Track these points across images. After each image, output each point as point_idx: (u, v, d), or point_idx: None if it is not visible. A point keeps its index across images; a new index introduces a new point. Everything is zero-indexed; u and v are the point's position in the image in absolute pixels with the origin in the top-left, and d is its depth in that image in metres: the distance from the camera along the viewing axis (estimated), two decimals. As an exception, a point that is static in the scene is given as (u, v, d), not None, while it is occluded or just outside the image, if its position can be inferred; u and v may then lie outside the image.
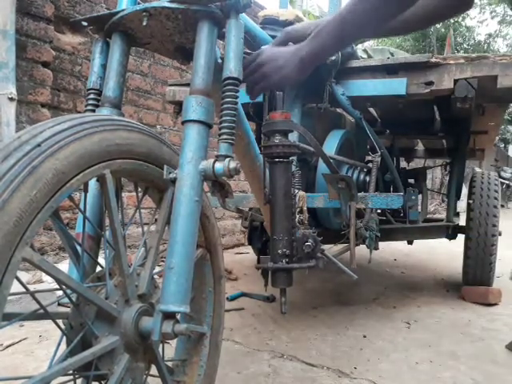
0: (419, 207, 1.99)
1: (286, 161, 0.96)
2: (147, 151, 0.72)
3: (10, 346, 1.44)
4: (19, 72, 2.05)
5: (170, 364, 0.89)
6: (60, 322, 0.67)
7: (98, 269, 0.75)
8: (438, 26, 15.20)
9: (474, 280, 2.16)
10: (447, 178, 2.68)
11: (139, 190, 0.83)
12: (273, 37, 1.19)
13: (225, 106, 0.78)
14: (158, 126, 3.03)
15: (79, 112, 2.37)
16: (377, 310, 1.98)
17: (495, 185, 2.22)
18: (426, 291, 2.34)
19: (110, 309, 0.65)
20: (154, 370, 0.78)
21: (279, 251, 0.93)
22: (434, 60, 1.47)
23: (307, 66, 0.97)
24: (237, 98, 0.79)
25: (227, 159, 0.74)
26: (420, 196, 2.21)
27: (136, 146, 0.69)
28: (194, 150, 0.73)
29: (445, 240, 2.34)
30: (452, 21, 15.90)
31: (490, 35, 20.08)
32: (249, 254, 3.26)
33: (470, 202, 2.19)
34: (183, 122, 0.74)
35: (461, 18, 17.46)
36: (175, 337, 0.69)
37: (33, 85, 2.15)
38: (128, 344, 0.68)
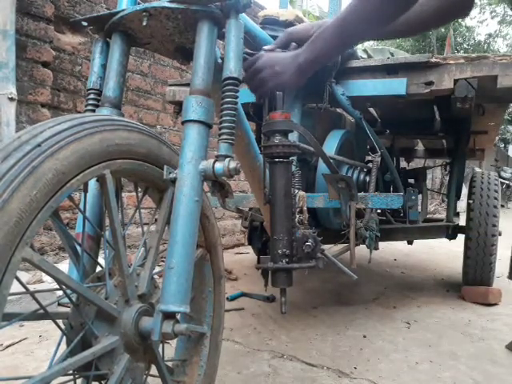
0: (419, 207, 1.99)
1: (286, 161, 0.96)
2: (147, 151, 0.72)
3: (10, 345, 1.44)
4: (19, 72, 2.05)
5: (170, 364, 0.89)
6: (60, 322, 0.67)
7: (98, 269, 0.75)
8: (438, 26, 15.13)
9: (474, 280, 2.16)
10: (447, 178, 2.68)
11: (139, 189, 0.83)
12: (273, 37, 1.19)
13: (225, 106, 0.78)
14: (158, 126, 3.03)
15: (79, 112, 2.37)
16: (377, 309, 1.98)
17: (495, 185, 2.22)
18: (426, 291, 2.34)
19: (109, 309, 0.65)
20: (154, 370, 0.78)
21: (279, 251, 0.93)
22: (433, 60, 1.47)
23: (305, 72, 0.97)
24: (237, 97, 0.79)
25: (227, 159, 0.74)
26: (420, 196, 2.21)
27: (136, 146, 0.69)
28: (194, 150, 0.73)
29: (445, 240, 2.34)
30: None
31: (490, 35, 20.09)
32: (249, 254, 3.26)
33: (470, 202, 2.19)
34: (183, 122, 0.74)
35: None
36: (175, 337, 0.69)
37: (33, 85, 2.15)
38: (128, 344, 0.68)
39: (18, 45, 1.97)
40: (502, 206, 10.05)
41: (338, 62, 1.50)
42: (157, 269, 0.79)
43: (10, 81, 1.90)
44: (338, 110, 1.91)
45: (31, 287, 1.86)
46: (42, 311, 0.61)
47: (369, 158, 1.99)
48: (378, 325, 1.76)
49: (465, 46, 18.31)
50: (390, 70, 1.53)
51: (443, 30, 15.44)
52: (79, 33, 2.46)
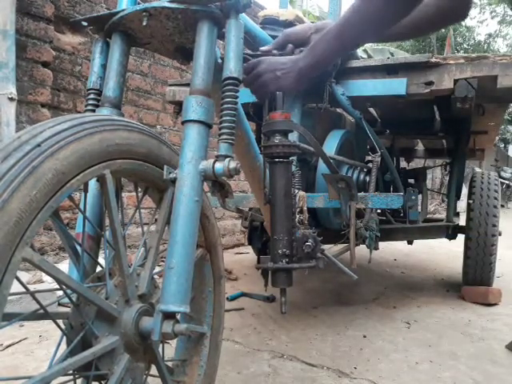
0: (419, 207, 1.99)
1: (286, 161, 0.96)
2: (147, 151, 0.72)
3: (10, 345, 1.45)
4: (19, 72, 2.05)
5: (170, 364, 0.89)
6: (60, 322, 0.67)
7: (98, 269, 0.75)
8: (437, 26, 15.13)
9: (474, 280, 2.16)
10: (447, 178, 2.68)
11: (139, 189, 0.83)
12: (273, 37, 1.19)
13: (225, 106, 0.78)
14: (158, 126, 3.03)
15: (79, 112, 2.37)
16: (377, 309, 1.98)
17: (495, 185, 2.22)
18: (426, 291, 2.34)
19: (110, 309, 0.65)
20: (154, 370, 0.78)
21: (279, 251, 0.93)
22: (434, 60, 1.47)
23: (306, 76, 0.97)
24: (237, 97, 0.79)
25: (227, 159, 0.74)
26: (420, 196, 2.21)
27: (136, 146, 0.69)
28: (194, 150, 0.73)
29: (445, 240, 2.34)
30: (452, 21, 15.82)
31: (490, 35, 20.10)
32: (249, 254, 3.26)
33: (470, 202, 2.19)
34: (183, 122, 0.74)
35: (461, 18, 17.40)
36: (175, 337, 0.69)
37: (33, 85, 2.15)
38: (128, 344, 0.68)
39: (18, 45, 1.97)
40: (502, 206, 10.05)
41: (338, 62, 1.50)
42: (157, 269, 0.79)
43: (9, 81, 1.90)
44: (338, 110, 1.91)
45: (31, 287, 1.86)
46: (42, 311, 0.61)
47: (369, 158, 1.99)
48: (378, 325, 1.76)
49: (465, 46, 18.31)
50: (390, 69, 1.53)
51: (443, 30, 15.44)
52: (79, 33, 2.46)
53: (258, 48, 1.08)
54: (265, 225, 1.54)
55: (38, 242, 2.23)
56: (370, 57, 1.99)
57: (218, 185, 0.76)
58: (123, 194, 2.50)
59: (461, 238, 2.28)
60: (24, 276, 1.96)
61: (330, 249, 1.64)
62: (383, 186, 1.99)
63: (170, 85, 1.90)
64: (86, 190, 0.73)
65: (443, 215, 2.55)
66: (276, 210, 0.96)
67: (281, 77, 0.96)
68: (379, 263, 3.13)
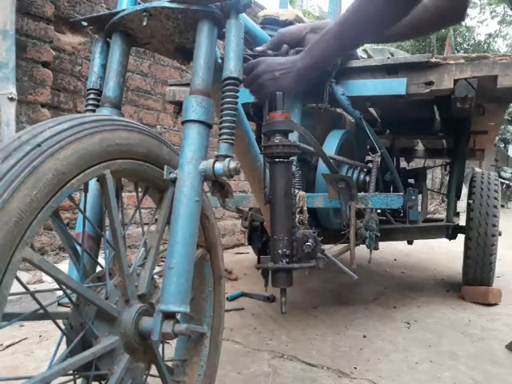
0: (419, 207, 1.99)
1: (286, 161, 0.96)
2: (147, 151, 0.72)
3: (10, 345, 1.45)
4: (19, 72, 2.05)
5: (170, 364, 0.89)
6: (60, 322, 0.67)
7: (98, 269, 0.75)
8: (437, 26, 15.13)
9: (474, 280, 2.16)
10: (447, 178, 2.68)
11: (139, 189, 0.83)
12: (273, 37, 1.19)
13: (225, 106, 0.78)
14: (158, 126, 3.03)
15: (79, 112, 2.37)
16: (377, 309, 1.98)
17: (495, 185, 2.22)
18: (426, 291, 2.34)
19: (109, 309, 0.65)
20: (154, 370, 0.78)
21: (279, 251, 0.93)
22: (434, 60, 1.47)
23: (305, 77, 0.97)
24: (237, 97, 0.79)
25: (227, 159, 0.74)
26: (420, 196, 2.21)
27: (136, 146, 0.69)
28: (194, 150, 0.73)
29: (445, 240, 2.34)
30: (452, 21, 15.82)
31: (490, 35, 20.10)
32: (249, 254, 3.26)
33: (470, 202, 2.19)
34: (183, 122, 0.74)
35: (461, 18, 17.40)
36: (175, 337, 0.69)
37: (33, 85, 2.15)
38: (128, 344, 0.68)
39: (18, 45, 1.97)
40: (502, 206, 10.05)
41: (337, 62, 1.50)
42: (157, 269, 0.79)
43: (9, 81, 1.90)
44: (338, 110, 1.91)
45: (31, 287, 1.86)
46: (42, 311, 0.61)
47: (369, 158, 1.99)
48: (378, 325, 1.76)
49: (465, 46, 18.31)
50: (390, 70, 1.53)
51: (443, 30, 15.44)
52: (79, 33, 2.46)
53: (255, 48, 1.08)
54: (265, 225, 1.54)
55: (38, 242, 2.23)
56: (370, 57, 1.99)
57: (218, 185, 0.76)
58: (123, 194, 2.50)
59: (461, 238, 2.28)
60: (24, 276, 1.96)
61: (330, 249, 1.64)
62: (383, 185, 1.99)
63: (170, 85, 1.90)
64: (86, 190, 0.73)
65: (443, 215, 2.55)
66: (276, 210, 0.96)
67: (279, 77, 0.96)
68: (379, 263, 3.13)
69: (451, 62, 1.47)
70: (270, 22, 1.44)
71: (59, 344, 0.67)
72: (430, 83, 1.48)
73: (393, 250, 3.63)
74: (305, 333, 1.65)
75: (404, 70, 1.51)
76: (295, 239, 0.96)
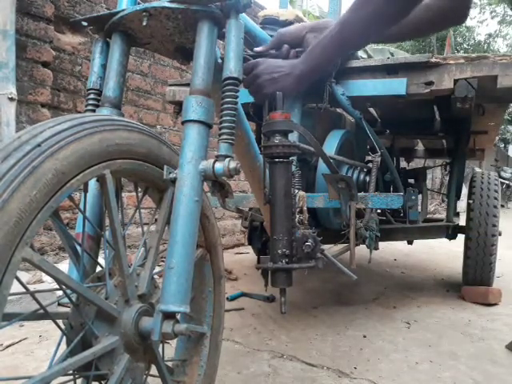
0: (419, 207, 1.99)
1: (286, 161, 0.96)
2: (147, 151, 0.72)
3: (10, 345, 1.45)
4: (19, 72, 2.05)
5: (170, 364, 0.89)
6: (60, 322, 0.67)
7: (98, 269, 0.75)
8: (437, 26, 15.15)
9: (474, 280, 2.15)
10: (447, 178, 2.68)
11: (139, 189, 0.83)
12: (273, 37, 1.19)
13: (225, 106, 0.78)
14: (158, 126, 3.03)
15: (79, 112, 2.37)
16: (377, 309, 1.98)
17: (495, 185, 2.22)
18: (426, 291, 2.34)
19: (109, 309, 0.65)
20: (154, 370, 0.78)
21: (279, 251, 0.93)
22: (434, 60, 1.47)
23: (304, 82, 0.97)
24: (237, 97, 0.79)
25: (227, 159, 0.74)
26: (420, 196, 2.21)
27: (136, 146, 0.69)
28: (194, 150, 0.73)
29: (445, 240, 2.34)
30: (452, 21, 15.84)
31: (490, 35, 20.10)
32: (249, 254, 3.26)
33: (470, 202, 2.19)
34: (183, 122, 0.74)
35: (461, 18, 17.41)
36: (175, 337, 0.69)
37: (33, 85, 2.15)
38: (128, 344, 0.68)
39: (18, 45, 1.97)
40: (502, 206, 10.05)
41: (337, 62, 1.50)
42: (157, 269, 0.79)
43: (9, 81, 1.90)
44: (338, 110, 1.91)
45: (31, 287, 1.86)
46: (42, 311, 0.61)
47: (369, 158, 1.99)
48: (378, 325, 1.76)
49: (465, 46, 18.31)
50: (390, 70, 1.53)
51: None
52: (79, 33, 2.46)
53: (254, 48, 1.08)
54: (265, 225, 1.54)
55: (37, 242, 2.23)
56: (370, 57, 1.98)
57: (217, 185, 0.76)
58: (123, 194, 2.50)
59: (461, 238, 2.28)
60: (24, 276, 1.96)
61: (330, 249, 1.64)
62: (383, 185, 1.99)
63: (170, 85, 1.90)
64: (85, 190, 0.73)
65: (443, 215, 2.55)
66: (276, 209, 0.95)
67: (279, 79, 0.97)
68: (379, 263, 3.13)
69: (451, 61, 1.47)
70: (270, 22, 1.44)
71: (59, 344, 0.67)
72: (430, 83, 1.48)
73: (393, 250, 3.63)
74: (305, 333, 1.65)
75: (404, 70, 1.51)
76: (295, 239, 0.96)
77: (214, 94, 0.79)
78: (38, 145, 0.53)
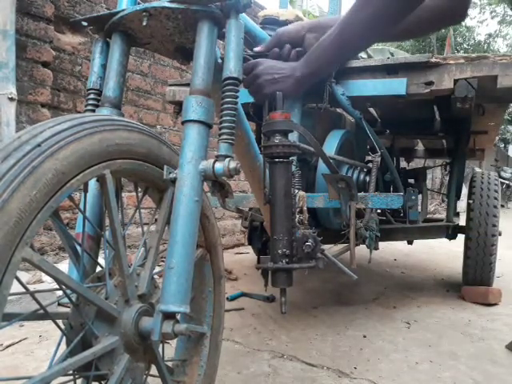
0: (419, 207, 1.99)
1: (286, 161, 0.96)
2: (147, 151, 0.72)
3: (10, 345, 1.44)
4: (19, 72, 2.05)
5: (170, 364, 0.89)
6: (60, 322, 0.67)
7: (98, 269, 0.75)
8: (437, 26, 15.16)
9: (474, 280, 2.16)
10: (447, 178, 2.68)
11: (139, 189, 0.83)
12: (273, 37, 1.19)
13: (225, 106, 0.78)
14: (158, 126, 3.03)
15: (79, 112, 2.37)
16: (377, 309, 1.98)
17: (495, 185, 2.22)
18: (426, 291, 2.34)
19: (109, 309, 0.65)
20: (154, 370, 0.78)
21: (279, 251, 0.93)
22: (434, 60, 1.47)
23: (303, 84, 0.97)
24: (237, 97, 0.79)
25: (227, 159, 0.74)
26: (420, 196, 2.21)
27: (136, 146, 0.69)
28: (194, 150, 0.73)
29: (445, 240, 2.34)
30: (452, 21, 15.84)
31: (490, 35, 20.10)
32: (249, 254, 3.26)
33: (470, 202, 2.19)
34: (183, 122, 0.74)
35: (461, 18, 17.43)
36: (175, 337, 0.69)
37: (33, 85, 2.15)
38: (128, 344, 0.68)
39: (18, 45, 1.97)
40: (502, 206, 10.05)
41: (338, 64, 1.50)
42: (157, 269, 0.79)
43: (9, 81, 1.90)
44: (338, 110, 1.91)
45: (31, 287, 1.86)
46: (42, 311, 0.61)
47: (369, 158, 1.99)
48: (378, 325, 1.76)
49: (465, 46, 18.31)
50: (390, 70, 1.53)
51: (443, 30, 15.44)
52: (79, 33, 2.46)
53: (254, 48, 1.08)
54: (265, 225, 1.54)
55: (37, 242, 2.23)
56: (370, 57, 1.99)
57: (217, 185, 0.76)
58: (123, 194, 2.50)
59: (461, 238, 2.28)
60: (24, 276, 1.96)
61: (330, 249, 1.64)
62: (383, 185, 1.99)
63: (170, 85, 1.90)
64: (85, 190, 0.73)
65: (443, 215, 2.55)
66: (276, 209, 0.95)
67: (279, 80, 0.96)
68: (379, 263, 3.13)
69: (451, 61, 1.47)
70: (270, 22, 1.44)
71: (59, 344, 0.67)
72: (430, 83, 1.48)
73: (393, 250, 3.63)
74: (305, 333, 1.65)
75: (404, 70, 1.51)
76: (295, 239, 0.96)
77: (214, 94, 0.79)
78: (38, 145, 0.53)
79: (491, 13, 19.99)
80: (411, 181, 2.53)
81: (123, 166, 0.67)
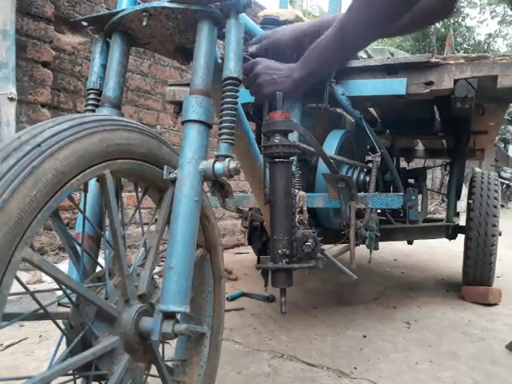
0: (419, 207, 1.99)
1: (286, 161, 0.96)
2: (147, 151, 0.72)
3: (10, 345, 1.44)
4: (19, 72, 2.05)
5: (170, 364, 0.89)
6: (60, 322, 0.67)
7: (98, 269, 0.75)
8: (438, 25, 15.22)
9: (474, 280, 2.16)
10: (447, 178, 2.68)
11: (139, 189, 0.83)
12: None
13: (225, 106, 0.78)
14: (158, 126, 3.03)
15: (79, 112, 2.37)
16: (377, 309, 1.98)
17: (495, 185, 2.22)
18: (426, 291, 2.34)
19: (109, 309, 0.65)
20: (154, 370, 0.78)
21: (279, 251, 0.93)
22: (434, 60, 1.47)
23: (302, 86, 0.97)
24: (237, 97, 0.79)
25: (227, 159, 0.74)
26: (420, 196, 2.21)
27: (136, 146, 0.69)
28: (194, 150, 0.73)
29: (445, 240, 2.34)
30: (452, 21, 15.92)
31: (490, 35, 20.10)
32: (249, 254, 3.26)
33: (470, 202, 2.19)
34: (183, 122, 0.74)
35: (461, 18, 17.48)
36: (175, 337, 0.69)
37: (33, 85, 2.15)
38: (128, 344, 0.68)
39: (18, 45, 1.97)
40: (502, 206, 10.05)
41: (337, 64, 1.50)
42: (157, 269, 0.79)
43: (9, 81, 1.90)
44: (338, 110, 1.91)
45: (31, 287, 1.86)
46: (42, 311, 0.61)
47: (369, 158, 1.99)
48: (378, 325, 1.76)
49: (465, 46, 18.31)
50: (390, 69, 1.53)
51: (443, 29, 15.47)
52: (79, 33, 2.46)
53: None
54: (265, 225, 1.54)
55: (37, 242, 2.23)
56: (369, 57, 1.98)
57: (218, 185, 0.76)
58: (123, 194, 2.50)
59: (461, 238, 2.28)
60: (24, 276, 1.96)
61: (330, 249, 1.64)
62: (383, 185, 1.99)
63: (170, 85, 1.90)
64: (85, 190, 0.73)
65: (443, 215, 2.55)
66: (276, 209, 0.95)
67: (278, 81, 0.96)
68: (379, 263, 3.13)
69: (451, 61, 1.47)
70: (270, 22, 1.44)
71: (59, 344, 0.67)
72: (430, 83, 1.48)
73: (393, 250, 3.63)
74: (305, 333, 1.65)
75: (404, 70, 1.51)
76: (295, 239, 0.96)
77: (214, 93, 0.79)
78: (38, 145, 0.53)
79: (491, 13, 19.99)
80: (411, 181, 2.53)
81: (123, 166, 0.67)
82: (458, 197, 2.34)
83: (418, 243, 2.75)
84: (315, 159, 1.72)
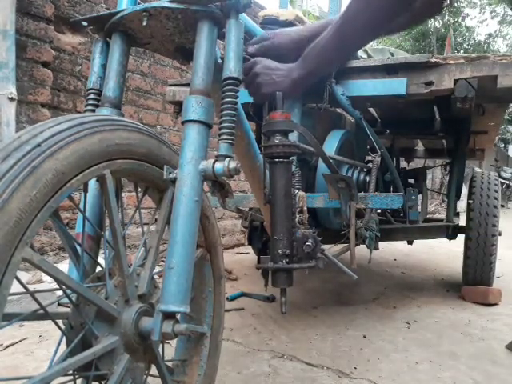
0: (419, 207, 1.99)
1: (286, 161, 0.96)
2: (147, 151, 0.72)
3: (10, 345, 1.45)
4: (19, 72, 2.05)
5: (170, 364, 0.89)
6: (60, 322, 0.67)
7: (98, 269, 0.75)
8: (438, 25, 15.24)
9: (474, 280, 2.16)
10: (447, 178, 2.68)
11: (139, 189, 0.83)
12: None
13: (225, 106, 0.78)
14: (158, 126, 3.03)
15: (79, 112, 2.37)
16: (377, 309, 1.98)
17: (495, 185, 2.22)
18: (426, 291, 2.34)
19: (109, 309, 0.65)
20: (154, 370, 0.78)
21: (279, 251, 0.93)
22: (434, 60, 1.47)
23: (301, 86, 0.97)
24: (237, 97, 0.79)
25: (227, 159, 0.74)
26: (420, 196, 2.21)
27: (136, 146, 0.69)
28: (194, 150, 0.73)
29: (445, 240, 2.34)
30: (452, 21, 15.94)
31: (490, 35, 20.10)
32: (249, 254, 3.26)
33: (470, 202, 2.19)
34: (183, 122, 0.74)
35: (461, 18, 17.49)
36: (175, 337, 0.69)
37: (33, 85, 2.15)
38: (128, 344, 0.68)
39: (18, 45, 1.97)
40: (502, 206, 10.05)
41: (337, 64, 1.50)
42: (157, 269, 0.79)
43: (9, 81, 1.90)
44: (338, 110, 1.91)
45: (31, 287, 1.86)
46: (42, 311, 0.61)
47: (369, 158, 1.99)
48: (378, 325, 1.76)
49: (465, 46, 18.31)
50: (390, 70, 1.53)
51: (443, 29, 15.47)
52: (79, 33, 2.46)
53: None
54: (265, 225, 1.54)
55: (37, 242, 2.23)
56: (369, 57, 1.98)
57: (218, 185, 0.76)
58: (123, 194, 2.50)
59: (461, 238, 2.28)
60: (24, 276, 1.96)
61: (330, 249, 1.64)
62: (383, 186, 1.99)
63: (170, 85, 1.90)
64: (85, 190, 0.73)
65: (443, 215, 2.55)
66: (276, 209, 0.95)
67: (277, 80, 0.96)
68: (379, 263, 3.13)
69: (451, 61, 1.47)
70: (270, 22, 1.44)
71: (59, 344, 0.67)
72: (430, 83, 1.48)
73: (393, 250, 3.63)
74: (305, 333, 1.65)
75: (404, 70, 1.51)
76: (295, 239, 0.96)
77: (214, 93, 0.79)
78: (38, 145, 0.53)
79: (491, 13, 19.99)
80: (411, 181, 2.53)
81: (123, 166, 0.67)
82: (458, 197, 2.34)
83: (418, 243, 2.75)
84: (315, 159, 1.72)
